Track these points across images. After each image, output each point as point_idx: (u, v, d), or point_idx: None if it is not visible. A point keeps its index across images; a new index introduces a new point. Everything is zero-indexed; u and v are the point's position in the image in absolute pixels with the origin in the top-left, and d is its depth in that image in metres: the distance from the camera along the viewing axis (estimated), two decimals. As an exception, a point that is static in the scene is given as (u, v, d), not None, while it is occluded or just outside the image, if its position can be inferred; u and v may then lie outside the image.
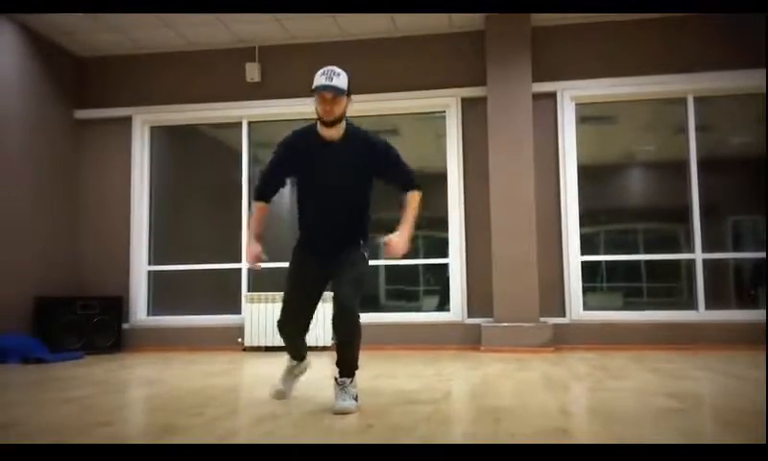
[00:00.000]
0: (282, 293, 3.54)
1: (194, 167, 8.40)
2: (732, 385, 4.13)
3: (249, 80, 7.81)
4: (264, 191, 3.57)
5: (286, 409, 3.40)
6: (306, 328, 3.60)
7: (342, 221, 3.41)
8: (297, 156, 3.42)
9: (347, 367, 3.42)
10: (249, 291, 7.64)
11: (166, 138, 8.28)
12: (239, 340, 7.39)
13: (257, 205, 3.59)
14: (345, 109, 3.32)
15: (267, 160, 3.57)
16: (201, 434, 2.78)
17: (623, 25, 7.23)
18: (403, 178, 3.47)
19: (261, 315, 7.32)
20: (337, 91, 3.22)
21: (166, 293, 8.01)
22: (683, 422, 2.94)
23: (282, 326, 3.51)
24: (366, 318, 7.72)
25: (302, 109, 7.75)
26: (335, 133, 3.34)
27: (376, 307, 7.79)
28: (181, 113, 8.01)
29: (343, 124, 3.36)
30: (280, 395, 3.64)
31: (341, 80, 3.24)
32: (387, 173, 3.46)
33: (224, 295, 7.84)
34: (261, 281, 7.73)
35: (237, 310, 7.66)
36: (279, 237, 9.00)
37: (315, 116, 3.39)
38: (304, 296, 3.47)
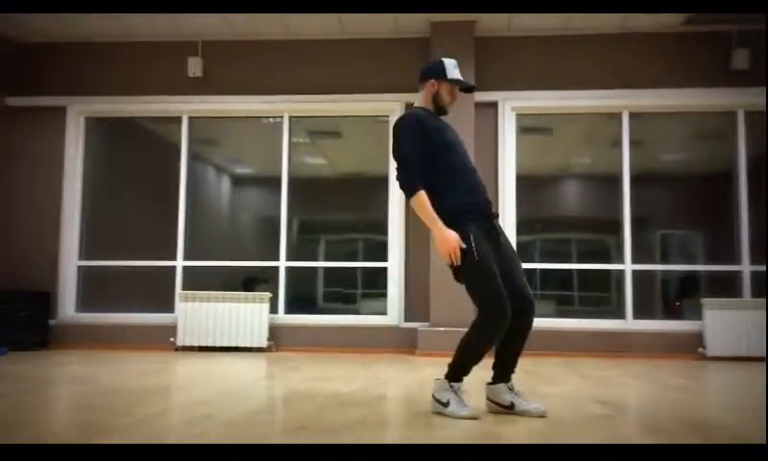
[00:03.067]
0: (481, 285, 3.08)
1: (131, 162, 8.17)
2: (658, 393, 4.28)
3: (190, 74, 7.67)
4: (417, 172, 3.20)
5: (219, 410, 3.34)
6: None
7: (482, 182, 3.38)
8: (433, 125, 3.31)
9: (512, 370, 3.31)
10: (183, 290, 7.49)
11: (103, 131, 8.04)
12: (171, 339, 7.24)
13: (423, 192, 3.18)
14: None
15: (402, 144, 3.24)
16: (128, 435, 2.71)
17: (565, 39, 7.42)
18: None
19: (195, 314, 7.19)
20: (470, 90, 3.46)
21: (97, 290, 7.77)
22: (610, 427, 3.03)
23: (506, 319, 3.05)
24: (303, 320, 7.64)
25: (245, 106, 7.68)
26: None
27: (314, 309, 7.75)
28: (119, 105, 7.80)
29: None
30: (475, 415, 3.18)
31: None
32: None
33: (157, 293, 7.66)
34: (196, 280, 7.60)
35: (170, 309, 7.50)
36: (214, 236, 8.87)
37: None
38: (503, 273, 3.17)
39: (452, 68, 3.37)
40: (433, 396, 3.29)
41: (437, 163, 3.25)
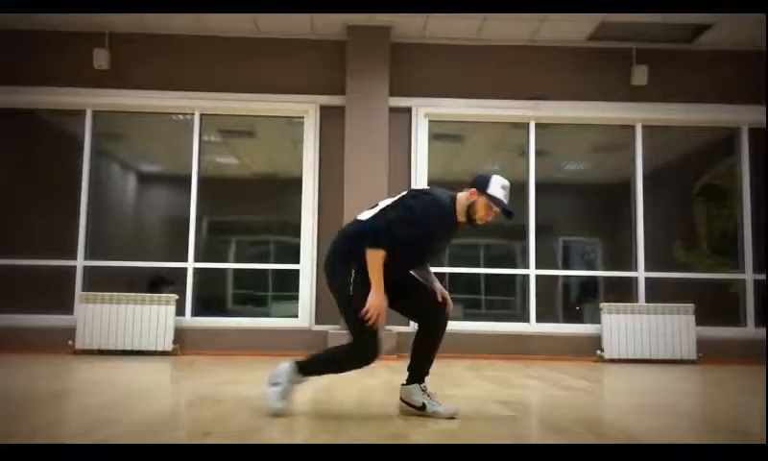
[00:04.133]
0: (360, 325, 3.15)
1: (29, 156, 7.75)
2: (561, 394, 4.45)
3: (96, 67, 7.36)
4: (396, 246, 3.15)
5: (120, 416, 3.22)
6: None
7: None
8: (443, 231, 3.33)
9: (422, 368, 3.40)
10: (83, 290, 7.16)
11: (-3, 121, 7.58)
12: (70, 342, 6.90)
13: (382, 253, 3.12)
14: None
15: (410, 216, 3.17)
16: (25, 441, 2.57)
17: (477, 49, 7.60)
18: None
19: (96, 316, 6.90)
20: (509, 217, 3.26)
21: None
22: (514, 427, 3.13)
23: (375, 355, 3.20)
24: (211, 322, 7.48)
25: (153, 101, 7.44)
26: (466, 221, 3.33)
27: (224, 312, 7.61)
28: (16, 95, 7.37)
29: None
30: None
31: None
32: None
33: (55, 293, 7.30)
34: (99, 281, 7.29)
35: (69, 310, 7.15)
36: (118, 235, 8.55)
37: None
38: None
39: (497, 187, 3.20)
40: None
41: (406, 243, 3.18)
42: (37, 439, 2.65)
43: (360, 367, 3.27)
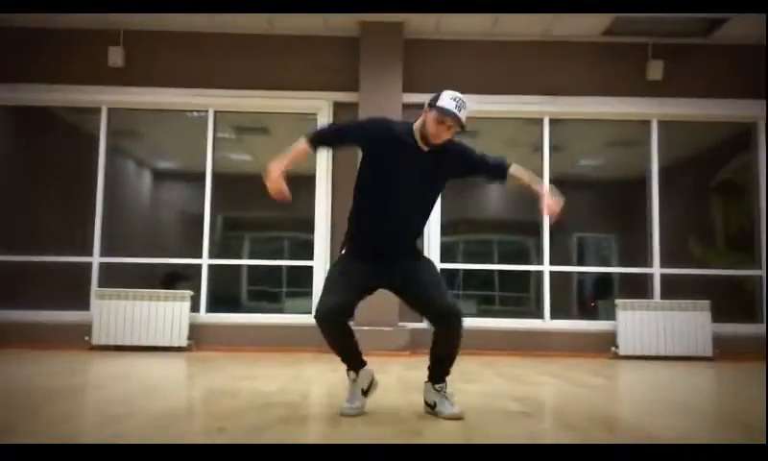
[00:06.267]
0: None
1: (46, 153, 7.81)
2: (575, 391, 4.44)
3: (111, 64, 7.41)
4: (324, 139, 3.35)
5: (135, 411, 3.24)
6: (348, 316, 3.15)
7: (407, 227, 3.27)
8: (385, 140, 3.19)
9: (446, 372, 3.31)
10: (99, 287, 7.22)
11: (14, 120, 7.64)
12: (86, 338, 6.96)
13: (304, 146, 3.25)
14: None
15: (345, 123, 3.31)
16: (39, 437, 2.60)
17: (491, 44, 7.57)
18: (500, 164, 3.37)
19: (112, 312, 6.95)
20: (460, 125, 3.09)
21: (8, 286, 7.37)
22: (528, 424, 3.13)
23: (322, 312, 3.06)
24: (226, 319, 7.52)
25: (168, 99, 7.48)
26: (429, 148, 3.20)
27: (238, 308, 7.64)
28: (34, 94, 7.43)
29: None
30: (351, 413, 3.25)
31: (464, 114, 3.09)
32: (479, 171, 3.38)
33: (72, 290, 7.36)
34: (114, 277, 7.35)
35: (86, 307, 7.21)
36: (133, 231, 8.62)
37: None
38: (350, 284, 3.15)
39: (447, 99, 3.07)
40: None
41: (363, 180, 3.26)
42: (55, 433, 2.68)
43: (322, 333, 3.13)
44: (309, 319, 7.22)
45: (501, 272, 7.84)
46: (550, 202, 3.29)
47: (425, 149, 3.17)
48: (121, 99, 7.48)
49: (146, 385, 4.28)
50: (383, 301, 7.30)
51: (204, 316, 7.29)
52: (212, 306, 7.37)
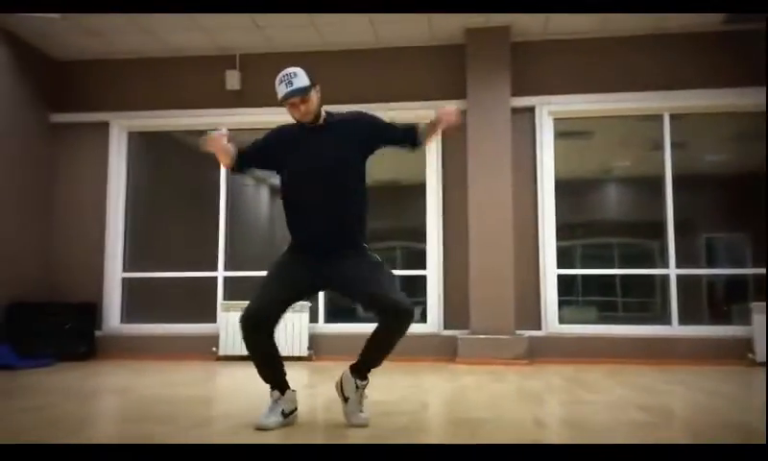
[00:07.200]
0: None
1: (173, 174, 8.34)
2: (703, 400, 4.17)
3: (228, 88, 7.78)
4: (241, 162, 3.37)
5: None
6: (272, 328, 3.16)
7: (334, 214, 3.17)
8: (281, 139, 3.34)
9: (374, 365, 3.36)
10: (224, 300, 7.58)
11: (143, 144, 8.20)
12: (213, 349, 7.32)
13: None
14: (318, 101, 3.26)
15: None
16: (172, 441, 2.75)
17: (601, 41, 7.32)
18: (410, 128, 3.37)
19: (236, 324, 7.25)
20: (302, 92, 3.15)
21: (141, 300, 7.91)
22: (653, 435, 2.97)
23: (246, 319, 3.09)
24: (343, 329, 7.64)
25: (282, 118, 7.71)
26: (318, 123, 3.29)
27: (354, 318, 7.77)
28: (159, 119, 7.95)
29: (323, 114, 3.31)
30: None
31: (300, 78, 3.15)
32: (386, 135, 3.38)
33: (199, 303, 7.77)
34: (238, 290, 7.68)
35: (212, 319, 7.59)
36: (253, 246, 8.97)
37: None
38: (281, 288, 3.15)
39: (278, 86, 3.18)
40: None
41: (281, 184, 3.32)
42: (190, 438, 2.82)
43: (244, 339, 3.16)
44: (424, 328, 7.29)
45: (623, 276, 7.52)
46: (443, 111, 3.19)
47: (317, 126, 3.26)
48: (239, 120, 7.82)
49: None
50: (499, 307, 7.21)
51: (323, 326, 7.46)
52: (330, 317, 7.55)
